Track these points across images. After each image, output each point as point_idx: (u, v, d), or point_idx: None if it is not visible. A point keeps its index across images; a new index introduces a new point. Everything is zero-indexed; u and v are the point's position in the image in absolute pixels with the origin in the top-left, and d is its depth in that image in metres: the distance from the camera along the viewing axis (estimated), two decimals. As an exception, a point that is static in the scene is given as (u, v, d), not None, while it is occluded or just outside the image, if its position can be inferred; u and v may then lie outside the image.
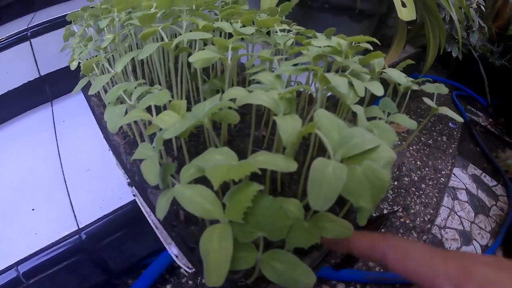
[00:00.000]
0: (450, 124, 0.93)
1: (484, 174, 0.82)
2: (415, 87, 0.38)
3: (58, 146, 0.56)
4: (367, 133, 0.22)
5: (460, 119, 0.37)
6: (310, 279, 0.20)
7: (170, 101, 0.29)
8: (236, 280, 0.27)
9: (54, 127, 0.60)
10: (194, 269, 0.39)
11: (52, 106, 0.67)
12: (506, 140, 0.95)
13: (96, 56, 0.37)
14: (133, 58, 0.49)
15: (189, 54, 0.42)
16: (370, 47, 0.37)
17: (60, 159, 0.53)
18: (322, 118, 0.22)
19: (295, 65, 0.31)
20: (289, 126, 0.21)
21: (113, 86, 0.37)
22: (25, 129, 0.62)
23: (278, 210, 0.20)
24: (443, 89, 0.39)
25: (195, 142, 0.38)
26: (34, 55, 0.65)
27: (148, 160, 0.24)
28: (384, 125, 0.30)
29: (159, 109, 0.28)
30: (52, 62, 0.66)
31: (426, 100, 0.37)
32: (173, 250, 0.40)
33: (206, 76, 0.44)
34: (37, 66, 0.66)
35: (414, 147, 0.82)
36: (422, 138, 0.85)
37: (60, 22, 0.64)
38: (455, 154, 0.82)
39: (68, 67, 0.72)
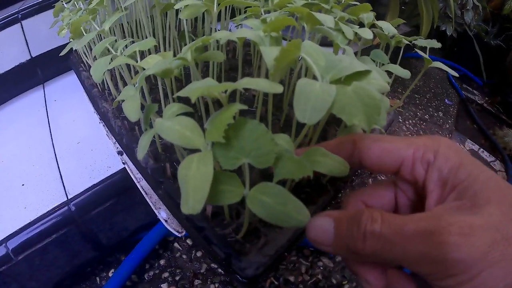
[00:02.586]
0: (446, 100, 0.93)
1: (481, 149, 0.81)
2: (406, 41, 0.37)
3: (49, 123, 0.55)
4: (356, 60, 0.21)
5: (454, 73, 0.36)
6: (303, 216, 0.18)
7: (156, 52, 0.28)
8: (226, 235, 0.26)
9: (46, 106, 0.59)
10: (184, 232, 0.38)
11: (43, 87, 0.66)
12: (503, 118, 0.94)
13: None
14: (122, 27, 0.48)
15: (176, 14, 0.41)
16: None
17: (51, 134, 0.52)
18: (308, 47, 0.21)
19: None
20: (273, 51, 0.21)
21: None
22: (17, 109, 0.61)
23: (264, 134, 0.19)
24: (435, 44, 0.38)
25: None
26: (25, 36, 0.64)
27: (129, 99, 0.23)
28: (376, 68, 0.30)
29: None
30: (43, 43, 0.66)
31: (420, 52, 0.36)
32: (162, 214, 0.39)
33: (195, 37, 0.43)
34: (28, 48, 0.65)
35: (410, 121, 0.81)
36: (418, 113, 0.84)
37: (51, 3, 0.63)
38: (452, 130, 0.81)
39: (59, 47, 0.71)
